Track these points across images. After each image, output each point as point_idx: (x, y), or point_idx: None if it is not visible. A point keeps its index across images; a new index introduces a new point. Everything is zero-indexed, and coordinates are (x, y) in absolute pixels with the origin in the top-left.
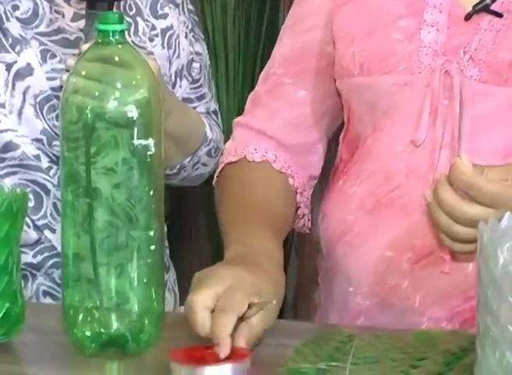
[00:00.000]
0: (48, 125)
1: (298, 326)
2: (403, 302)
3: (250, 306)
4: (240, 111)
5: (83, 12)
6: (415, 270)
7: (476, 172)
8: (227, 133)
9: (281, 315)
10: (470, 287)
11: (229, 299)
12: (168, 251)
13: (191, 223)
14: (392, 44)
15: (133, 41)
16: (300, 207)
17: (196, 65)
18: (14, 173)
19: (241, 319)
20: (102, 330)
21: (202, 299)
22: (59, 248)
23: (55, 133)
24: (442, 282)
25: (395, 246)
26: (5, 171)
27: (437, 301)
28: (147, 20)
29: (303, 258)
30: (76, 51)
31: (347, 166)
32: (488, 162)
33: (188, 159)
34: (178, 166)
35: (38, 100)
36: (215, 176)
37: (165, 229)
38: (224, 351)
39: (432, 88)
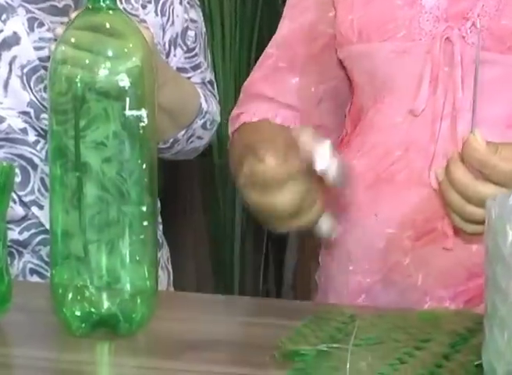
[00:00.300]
0: (36, 97)
1: (297, 306)
2: (405, 280)
3: None
4: (236, 80)
5: None
6: (417, 247)
7: (490, 150)
8: (223, 103)
9: (280, 295)
10: (474, 265)
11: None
12: (161, 228)
13: (185, 198)
14: (392, 9)
15: (124, 9)
16: None
17: (191, 33)
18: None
19: None
20: (92, 310)
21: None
22: (47, 225)
23: (43, 106)
24: (445, 259)
25: (395, 223)
26: None
27: (440, 279)
28: None
29: (303, 236)
30: (65, 19)
31: (350, 139)
32: (490, 133)
33: (182, 133)
34: (171, 140)
35: (25, 71)
36: (230, 134)
37: (159, 204)
38: None
39: (432, 55)
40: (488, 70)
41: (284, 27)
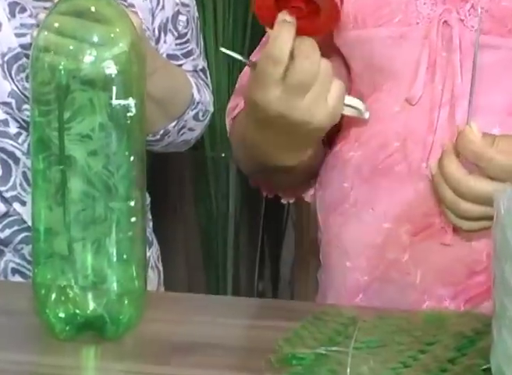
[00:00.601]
0: (17, 87)
1: (295, 306)
2: (404, 278)
3: None
4: (229, 67)
5: None
6: (415, 243)
7: (486, 142)
8: (216, 92)
9: (276, 293)
10: (474, 262)
11: None
12: (151, 225)
13: (175, 192)
14: None
15: None
16: None
17: (182, 17)
18: None
19: None
20: (77, 311)
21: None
22: (30, 222)
23: (25, 96)
24: (444, 256)
25: (392, 217)
26: None
27: (439, 277)
28: None
29: (301, 232)
30: (48, 4)
31: (347, 129)
32: (490, 121)
33: (173, 124)
34: (161, 132)
35: (6, 59)
36: (229, 121)
37: (148, 199)
38: None
39: (429, 40)
40: (489, 55)
41: None
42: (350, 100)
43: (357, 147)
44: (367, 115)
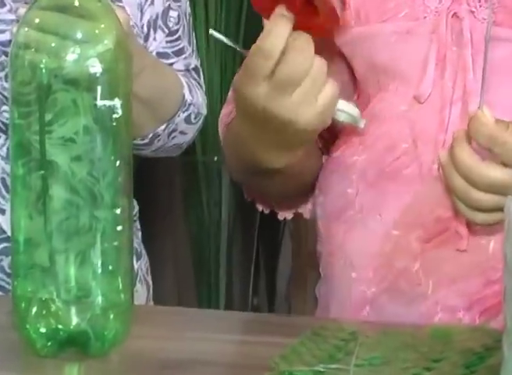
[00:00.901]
0: None
1: (292, 321)
2: (414, 289)
3: None
4: (222, 66)
5: None
6: (426, 250)
7: (500, 125)
8: (208, 92)
9: (273, 307)
10: (492, 269)
11: None
12: (140, 235)
13: (164, 201)
14: None
15: None
16: None
17: (173, 13)
18: None
19: None
20: (60, 326)
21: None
22: (9, 232)
23: (4, 97)
24: (459, 263)
25: (401, 223)
26: None
27: (452, 286)
28: None
29: (298, 243)
30: None
31: (349, 133)
32: (502, 116)
33: (163, 127)
34: (151, 135)
35: None
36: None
37: (137, 208)
38: None
39: (438, 34)
40: (500, 48)
41: None
42: (344, 105)
43: (361, 150)
44: (362, 123)
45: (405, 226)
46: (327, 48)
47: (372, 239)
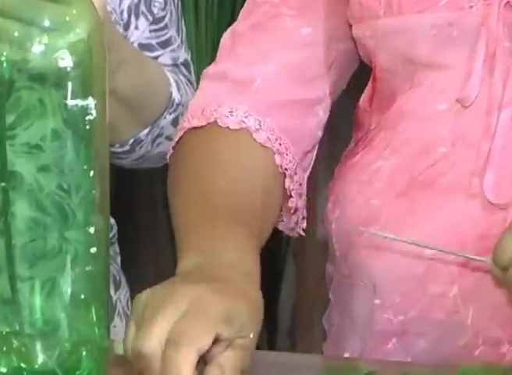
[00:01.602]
0: None
1: (296, 360)
2: (451, 317)
3: (216, 340)
4: (214, 55)
5: None
6: (465, 274)
7: None
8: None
9: (273, 344)
10: None
11: (185, 330)
12: (119, 260)
13: (147, 222)
14: None
15: None
16: (290, 197)
17: None
18: None
19: (205, 360)
20: (23, 365)
21: (155, 340)
22: None
23: None
24: (502, 289)
25: (436, 242)
26: None
27: (496, 316)
28: None
29: (303, 267)
30: None
31: (373, 135)
32: None
33: (146, 131)
34: (131, 141)
35: None
36: (170, 148)
37: (115, 229)
38: None
39: (487, 27)
40: None
41: None
42: None
43: (387, 155)
44: None
45: (440, 245)
46: (336, 15)
47: (400, 260)
